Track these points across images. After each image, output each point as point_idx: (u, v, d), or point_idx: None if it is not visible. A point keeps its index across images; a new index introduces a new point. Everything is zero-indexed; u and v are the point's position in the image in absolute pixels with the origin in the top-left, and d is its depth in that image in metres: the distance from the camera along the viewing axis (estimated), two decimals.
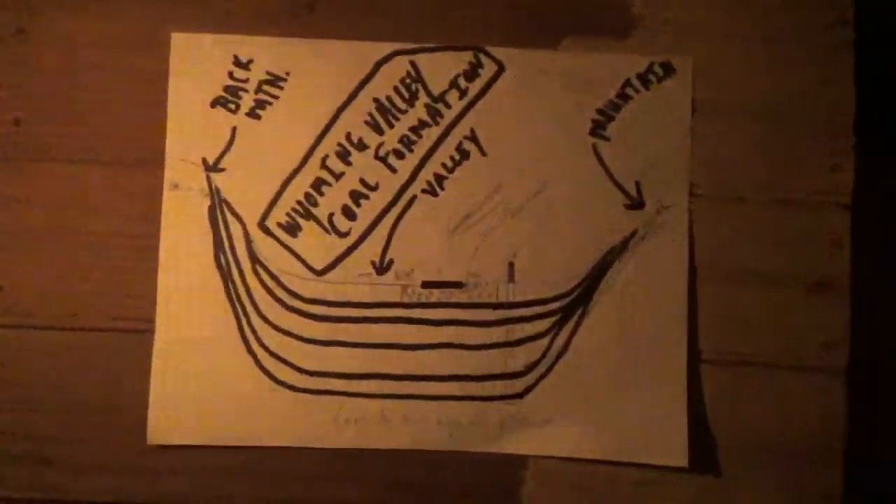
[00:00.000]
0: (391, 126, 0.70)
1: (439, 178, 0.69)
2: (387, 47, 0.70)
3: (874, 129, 0.70)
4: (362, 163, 0.69)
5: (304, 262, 0.69)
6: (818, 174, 0.71)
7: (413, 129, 0.70)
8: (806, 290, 0.70)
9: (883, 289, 0.70)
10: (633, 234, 0.69)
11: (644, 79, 0.70)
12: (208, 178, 0.69)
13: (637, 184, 0.70)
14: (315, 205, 0.69)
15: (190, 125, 0.69)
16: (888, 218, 0.71)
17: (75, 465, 0.68)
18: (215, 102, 0.69)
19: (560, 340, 0.69)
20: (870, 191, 0.70)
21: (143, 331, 0.68)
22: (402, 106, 0.70)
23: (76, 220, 0.69)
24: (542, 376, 0.68)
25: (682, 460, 0.67)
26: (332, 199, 0.69)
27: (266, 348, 0.68)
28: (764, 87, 0.71)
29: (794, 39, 0.71)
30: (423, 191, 0.69)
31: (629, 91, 0.70)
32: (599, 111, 0.70)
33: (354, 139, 0.69)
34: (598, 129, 0.70)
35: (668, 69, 0.70)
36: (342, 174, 0.69)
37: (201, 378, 0.67)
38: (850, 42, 0.70)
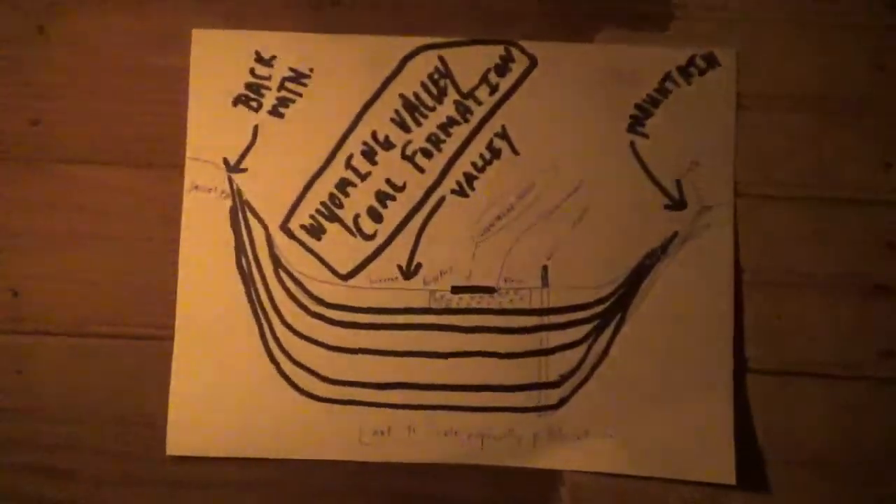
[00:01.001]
0: (419, 124, 0.67)
1: (469, 178, 0.66)
2: (414, 42, 0.67)
3: None
4: (389, 162, 0.66)
5: (328, 265, 0.66)
6: (871, 170, 0.66)
7: (441, 127, 0.67)
8: (861, 294, 0.66)
9: None
10: (674, 236, 0.66)
11: (685, 72, 0.67)
12: (230, 179, 0.67)
13: (678, 183, 0.66)
14: (340, 206, 0.66)
15: (211, 124, 0.67)
16: None
17: (93, 477, 0.65)
18: (237, 100, 0.67)
19: (597, 349, 0.65)
20: None
21: (163, 338, 0.65)
22: (430, 103, 0.67)
23: (95, 224, 0.67)
24: (578, 387, 0.65)
25: (728, 477, 0.63)
26: (358, 201, 0.66)
27: (289, 356, 0.65)
28: (812, 77, 0.67)
29: (843, 25, 0.67)
30: (453, 191, 0.66)
31: (669, 85, 0.67)
32: (637, 107, 0.66)
33: (380, 138, 0.67)
34: (636, 125, 0.66)
35: (712, 61, 0.67)
36: (368, 174, 0.66)
37: (222, 387, 0.65)
38: None
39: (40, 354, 0.66)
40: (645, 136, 0.66)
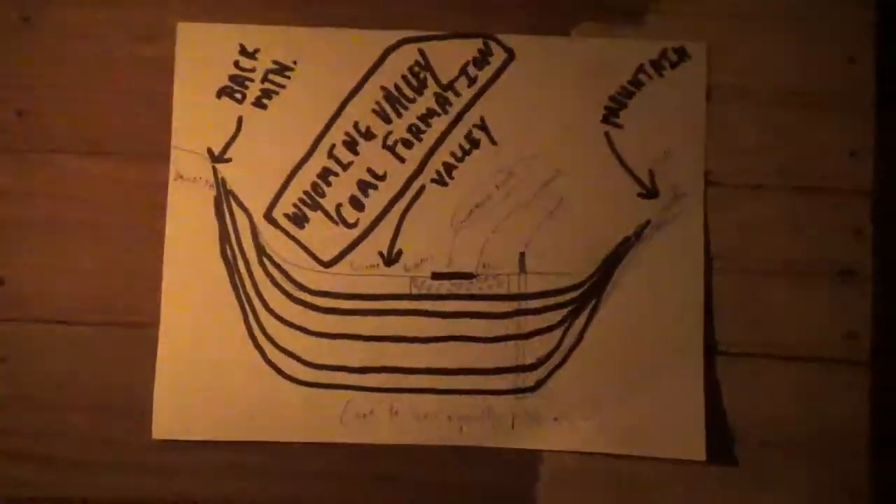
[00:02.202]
0: (399, 115, 0.68)
1: (448, 168, 0.68)
2: (395, 35, 0.69)
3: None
4: (370, 152, 0.68)
5: (311, 253, 0.68)
6: (837, 159, 0.69)
7: (422, 118, 0.68)
8: (827, 279, 0.68)
9: None
10: (647, 223, 0.68)
11: (657, 65, 0.69)
12: (214, 169, 0.68)
13: (651, 172, 0.68)
14: (322, 195, 0.68)
15: (195, 115, 0.68)
16: None
17: (79, 462, 0.66)
18: (221, 92, 0.68)
19: (573, 333, 0.67)
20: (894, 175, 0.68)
21: (149, 325, 0.67)
22: (411, 94, 0.68)
23: (80, 213, 0.68)
24: (555, 369, 0.67)
25: (699, 454, 0.65)
26: (340, 190, 0.68)
27: (273, 341, 0.67)
28: (780, 70, 0.69)
29: (811, 20, 0.69)
30: (433, 180, 0.68)
31: (642, 77, 0.69)
32: (612, 98, 0.68)
33: (362, 128, 0.68)
34: (610, 116, 0.68)
35: (683, 54, 0.69)
36: (350, 164, 0.68)
37: (207, 372, 0.66)
38: (871, 22, 0.69)
39: (26, 342, 0.67)
40: (619, 126, 0.68)
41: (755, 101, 0.69)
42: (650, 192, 0.68)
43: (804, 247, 0.68)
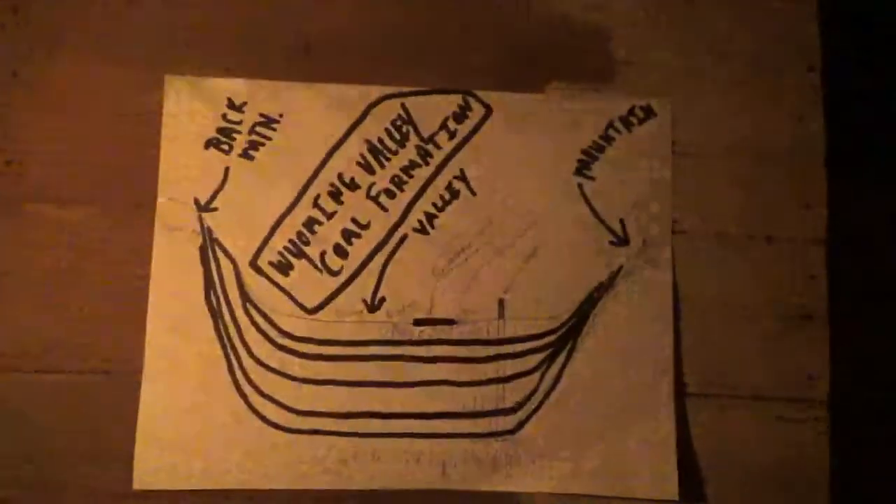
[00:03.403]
0: (382, 166, 0.71)
1: (430, 217, 0.71)
2: (378, 90, 0.72)
3: (848, 166, 0.74)
4: (354, 202, 0.70)
5: (295, 300, 0.69)
6: (792, 211, 0.74)
7: (404, 170, 0.71)
8: (785, 323, 0.72)
9: (863, 321, 0.72)
10: (619, 269, 0.71)
11: (626, 121, 0.73)
12: (200, 218, 0.69)
13: (622, 221, 0.72)
14: (307, 244, 0.70)
15: (183, 166, 0.70)
16: (864, 251, 0.74)
17: None
18: (209, 143, 0.70)
19: (550, 376, 0.69)
20: (846, 225, 0.73)
21: (131, 372, 0.67)
22: (394, 147, 0.71)
23: (65, 261, 0.68)
24: (534, 412, 0.69)
25: (672, 494, 0.68)
26: (324, 238, 0.70)
27: (256, 388, 0.68)
28: (739, 128, 0.74)
29: (766, 84, 0.75)
30: (415, 229, 0.71)
31: (612, 132, 0.73)
32: (584, 152, 0.72)
33: (346, 179, 0.71)
34: (583, 169, 0.72)
35: (649, 112, 0.73)
36: (334, 213, 0.70)
37: (190, 420, 0.67)
38: (819, 86, 0.75)
39: (5, 391, 0.67)
40: (591, 178, 0.72)
41: (715, 155, 0.74)
42: (621, 240, 0.72)
43: (763, 292, 0.72)
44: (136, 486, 0.66)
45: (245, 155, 0.70)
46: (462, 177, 0.71)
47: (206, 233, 0.69)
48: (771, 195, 0.74)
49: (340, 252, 0.70)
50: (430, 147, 0.72)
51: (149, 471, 0.66)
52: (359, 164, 0.71)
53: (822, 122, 0.74)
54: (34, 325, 0.67)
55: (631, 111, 0.73)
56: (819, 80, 0.75)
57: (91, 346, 0.67)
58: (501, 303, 0.70)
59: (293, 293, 0.69)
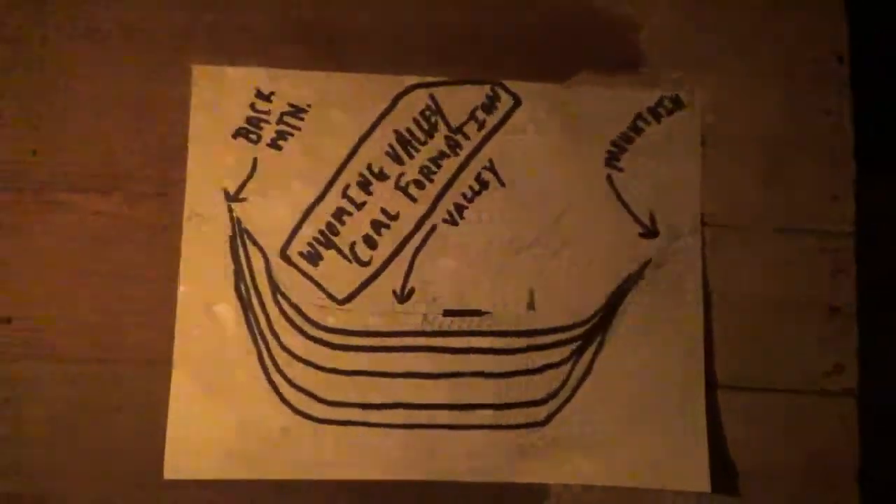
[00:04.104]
0: (411, 157, 0.71)
1: (459, 208, 0.71)
2: (407, 80, 0.71)
3: (877, 158, 0.74)
4: (383, 193, 0.70)
5: (325, 291, 0.69)
6: (820, 203, 0.73)
7: (433, 160, 0.71)
8: (814, 315, 0.72)
9: (891, 313, 0.72)
10: (649, 262, 0.71)
11: (654, 112, 0.73)
12: (229, 208, 0.69)
13: (651, 213, 0.72)
14: (336, 234, 0.69)
15: (211, 156, 0.69)
16: (893, 243, 0.73)
17: (89, 503, 0.65)
18: (237, 133, 0.70)
19: (580, 368, 0.69)
20: (874, 217, 0.73)
21: (162, 362, 0.67)
22: (422, 137, 0.71)
23: (93, 251, 0.68)
24: (564, 404, 0.69)
25: (704, 485, 0.67)
26: (354, 229, 0.70)
27: (287, 379, 0.67)
28: (768, 119, 0.74)
29: (794, 74, 0.74)
30: (444, 220, 0.70)
31: (641, 124, 0.73)
32: (613, 143, 0.72)
33: (375, 169, 0.70)
34: (612, 160, 0.72)
35: (677, 102, 0.73)
36: (363, 204, 0.70)
37: (220, 410, 0.66)
38: (847, 76, 0.74)
39: (34, 381, 0.66)
40: (620, 169, 0.72)
41: (743, 146, 0.73)
42: (651, 232, 0.71)
43: (791, 285, 0.72)
44: (167, 475, 0.65)
45: (273, 145, 0.70)
46: (491, 167, 0.71)
47: (236, 223, 0.69)
48: (799, 187, 0.73)
49: (370, 243, 0.70)
50: (458, 137, 0.71)
51: (179, 461, 0.65)
52: (388, 154, 0.71)
53: (850, 114, 0.74)
54: (62, 314, 0.67)
55: (660, 102, 0.73)
56: (848, 72, 0.74)
57: (120, 335, 0.67)
58: (531, 294, 0.70)
59: (323, 284, 0.69)
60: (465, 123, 0.72)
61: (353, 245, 0.69)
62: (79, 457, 0.66)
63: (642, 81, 0.73)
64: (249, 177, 0.70)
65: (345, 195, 0.70)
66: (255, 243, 0.69)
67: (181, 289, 0.68)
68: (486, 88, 0.72)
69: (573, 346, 0.69)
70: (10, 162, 0.68)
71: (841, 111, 0.74)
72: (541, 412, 0.69)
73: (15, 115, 0.69)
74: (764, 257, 0.72)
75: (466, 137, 0.71)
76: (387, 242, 0.70)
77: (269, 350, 0.68)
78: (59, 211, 0.68)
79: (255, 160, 0.70)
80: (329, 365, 0.68)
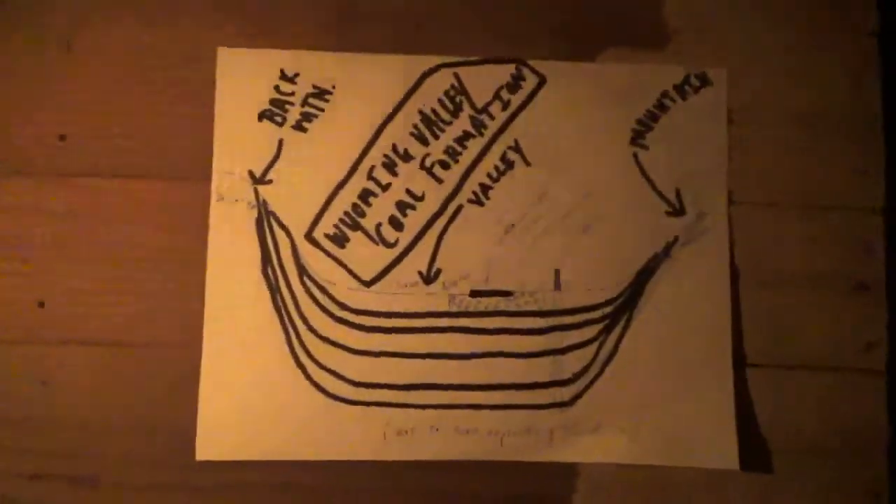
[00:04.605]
0: (436, 137, 0.71)
1: (485, 188, 0.70)
2: (431, 60, 0.71)
3: None
4: (408, 173, 0.70)
5: (351, 272, 0.69)
6: (849, 179, 0.73)
7: (458, 140, 0.71)
8: (843, 292, 0.71)
9: None
10: (675, 240, 0.71)
11: (681, 89, 0.72)
12: (255, 191, 0.69)
13: (677, 191, 0.71)
14: (362, 215, 0.70)
15: (237, 138, 0.69)
16: None
17: (122, 484, 0.66)
18: (262, 115, 0.70)
19: (607, 347, 0.69)
20: None
21: (191, 345, 0.67)
22: (447, 117, 0.71)
23: (121, 235, 0.68)
24: (591, 383, 0.69)
25: (733, 463, 0.67)
26: (380, 210, 0.70)
27: (314, 360, 0.68)
28: (795, 95, 0.73)
29: (822, 50, 0.73)
30: (469, 200, 0.70)
31: (667, 101, 0.72)
32: (639, 121, 0.72)
33: (400, 150, 0.70)
34: (637, 138, 0.71)
35: (704, 80, 0.72)
36: (389, 185, 0.70)
37: (249, 392, 0.67)
38: (876, 51, 0.73)
39: (66, 364, 0.67)
40: (646, 148, 0.71)
41: (770, 123, 0.73)
42: (677, 210, 0.71)
43: (820, 262, 0.72)
44: (199, 456, 0.66)
45: (298, 127, 0.70)
46: (516, 147, 0.71)
47: (262, 205, 0.69)
48: (827, 163, 0.73)
49: (396, 224, 0.70)
50: (483, 117, 0.71)
51: (210, 442, 0.66)
52: (412, 134, 0.70)
53: (879, 88, 0.73)
54: (93, 298, 0.68)
55: (686, 80, 0.72)
56: (876, 46, 0.73)
57: (150, 318, 0.68)
58: (557, 274, 0.70)
59: (349, 265, 0.69)
60: (489, 103, 0.71)
61: (378, 226, 0.69)
62: (112, 438, 0.67)
63: (668, 58, 0.73)
64: (275, 159, 0.70)
65: (370, 176, 0.70)
66: (281, 225, 0.69)
67: (209, 271, 0.68)
68: (511, 68, 0.72)
69: (600, 325, 0.69)
70: (38, 146, 0.69)
71: (870, 87, 0.73)
72: (567, 392, 0.69)
73: (43, 99, 0.69)
74: (792, 235, 0.72)
75: (491, 117, 0.71)
76: (412, 223, 0.70)
77: (296, 332, 0.68)
78: (87, 195, 0.68)
79: (280, 142, 0.70)
80: (356, 346, 0.68)
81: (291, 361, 0.68)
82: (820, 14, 0.74)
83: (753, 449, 0.69)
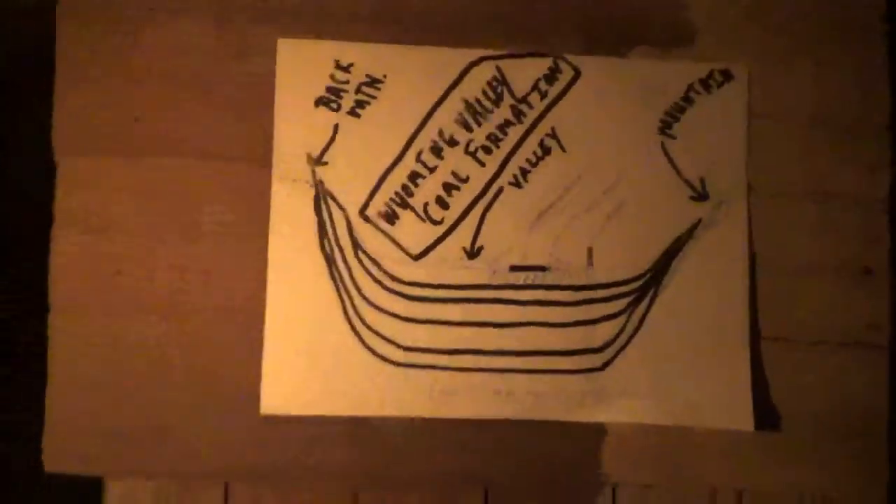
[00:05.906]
0: (479, 124, 0.77)
1: (524, 172, 0.76)
2: (475, 53, 0.77)
3: None
4: (454, 157, 0.76)
5: (401, 247, 0.75)
6: (857, 173, 0.79)
7: (499, 128, 0.77)
8: (850, 276, 0.78)
9: None
10: (698, 223, 0.77)
11: (706, 84, 0.78)
12: (313, 171, 0.75)
13: (701, 178, 0.77)
14: (411, 195, 0.76)
15: (296, 123, 0.75)
16: None
17: (192, 436, 0.73)
18: (318, 102, 0.76)
19: (635, 319, 0.76)
20: None
21: (255, 311, 0.73)
22: (489, 106, 0.77)
23: (190, 210, 0.74)
24: (619, 351, 0.75)
25: (748, 425, 0.74)
26: (427, 190, 0.76)
27: (368, 326, 0.74)
28: (807, 93, 0.79)
29: (834, 50, 0.79)
30: (510, 183, 0.76)
31: (692, 95, 0.78)
32: (666, 113, 0.78)
33: (446, 136, 0.76)
34: (665, 128, 0.78)
35: (727, 75, 0.78)
36: (435, 168, 0.76)
37: (309, 354, 0.73)
38: (885, 52, 0.79)
39: (143, 328, 0.73)
40: (673, 137, 0.77)
41: (786, 119, 0.78)
42: (701, 196, 0.77)
43: (830, 248, 0.78)
44: (263, 411, 0.73)
45: (352, 113, 0.76)
46: (553, 135, 0.77)
47: (319, 185, 0.75)
48: (838, 158, 0.78)
49: (442, 203, 0.76)
50: (523, 107, 0.77)
51: (274, 398, 0.73)
52: (457, 122, 0.76)
53: (886, 87, 0.79)
54: (166, 268, 0.74)
55: (710, 75, 0.78)
56: (884, 46, 0.79)
57: (217, 285, 0.74)
58: (590, 251, 0.76)
59: (399, 241, 0.75)
60: (528, 93, 0.77)
61: (426, 205, 0.76)
62: (181, 395, 0.73)
63: (694, 56, 0.78)
64: (331, 142, 0.76)
65: (418, 159, 0.76)
66: (337, 204, 0.75)
67: (271, 245, 0.74)
68: (549, 61, 0.77)
69: (628, 299, 0.76)
70: (115, 125, 0.74)
71: (877, 88, 0.79)
72: (598, 359, 0.75)
73: (120, 86, 0.75)
74: (804, 222, 0.78)
75: (530, 106, 0.77)
76: (457, 203, 0.76)
77: (351, 300, 0.74)
78: (160, 172, 0.74)
79: (335, 126, 0.76)
80: (405, 314, 0.75)
81: (347, 327, 0.74)
82: (833, 14, 0.79)
83: (767, 414, 0.75)
